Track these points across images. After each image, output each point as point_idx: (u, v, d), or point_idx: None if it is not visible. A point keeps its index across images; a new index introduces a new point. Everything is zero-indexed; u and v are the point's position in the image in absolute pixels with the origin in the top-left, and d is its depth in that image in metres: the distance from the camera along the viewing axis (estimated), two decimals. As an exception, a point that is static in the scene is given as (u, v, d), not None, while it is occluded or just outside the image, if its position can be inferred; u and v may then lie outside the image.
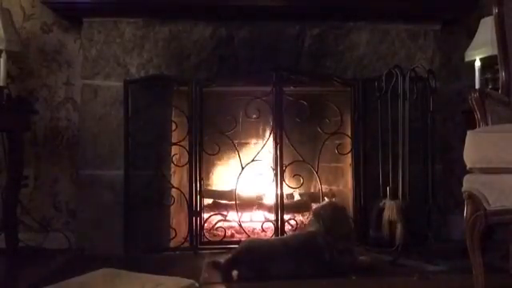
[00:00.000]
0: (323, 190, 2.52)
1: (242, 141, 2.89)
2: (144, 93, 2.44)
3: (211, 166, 2.97)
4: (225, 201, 2.74)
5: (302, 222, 2.71)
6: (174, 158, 2.43)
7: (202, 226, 2.40)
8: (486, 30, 2.36)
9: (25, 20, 2.60)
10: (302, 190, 2.74)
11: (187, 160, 2.40)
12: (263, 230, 2.49)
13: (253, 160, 2.48)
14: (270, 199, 2.70)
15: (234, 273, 1.86)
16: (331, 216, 1.94)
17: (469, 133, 1.53)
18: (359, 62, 2.55)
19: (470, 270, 1.52)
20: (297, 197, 2.84)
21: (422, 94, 2.33)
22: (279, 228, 2.42)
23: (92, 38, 2.47)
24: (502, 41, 1.89)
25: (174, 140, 2.44)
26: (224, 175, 2.99)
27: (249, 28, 2.51)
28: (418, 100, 2.32)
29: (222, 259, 1.90)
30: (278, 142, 2.42)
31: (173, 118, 2.46)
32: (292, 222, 2.49)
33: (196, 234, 2.38)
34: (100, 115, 2.46)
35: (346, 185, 2.67)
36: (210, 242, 2.43)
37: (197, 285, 1.66)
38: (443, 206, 2.44)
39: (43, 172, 2.59)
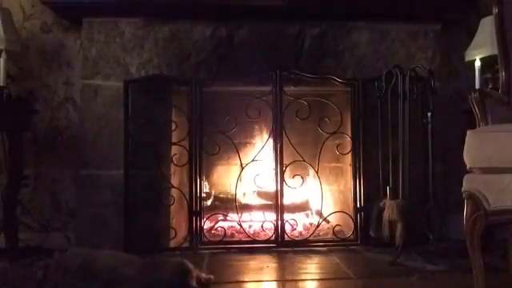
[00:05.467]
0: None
1: (242, 141, 2.90)
2: (144, 93, 2.44)
3: (211, 166, 2.97)
4: (226, 205, 2.75)
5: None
6: (174, 158, 2.43)
7: (201, 226, 2.40)
8: (486, 30, 2.36)
9: (25, 20, 2.60)
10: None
11: (187, 160, 2.40)
12: (263, 230, 2.50)
13: (253, 160, 2.49)
14: (269, 199, 2.71)
15: None
16: None
17: (469, 133, 1.53)
18: (359, 62, 2.55)
19: (470, 269, 1.53)
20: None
21: (422, 93, 2.33)
22: (279, 228, 2.42)
23: (92, 37, 2.47)
24: (502, 41, 1.89)
25: (174, 140, 2.44)
26: (224, 175, 3.00)
27: (249, 28, 2.51)
28: (418, 100, 2.32)
29: None
30: (278, 142, 2.42)
31: (173, 118, 2.46)
32: (292, 222, 2.49)
33: (196, 233, 2.38)
34: (100, 115, 2.45)
35: (346, 185, 2.67)
36: (210, 242, 2.43)
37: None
38: (443, 206, 2.43)
39: (43, 172, 2.59)
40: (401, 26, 2.57)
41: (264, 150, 2.49)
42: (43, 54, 2.61)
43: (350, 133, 2.50)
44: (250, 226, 2.61)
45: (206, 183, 2.84)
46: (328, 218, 2.64)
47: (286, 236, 2.43)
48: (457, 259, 2.08)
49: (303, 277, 1.98)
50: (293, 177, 2.53)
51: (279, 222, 2.42)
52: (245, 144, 2.91)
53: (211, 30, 2.51)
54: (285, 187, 2.45)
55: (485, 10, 2.42)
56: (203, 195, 2.50)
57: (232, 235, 2.57)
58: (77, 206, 2.48)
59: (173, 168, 2.48)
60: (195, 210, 2.39)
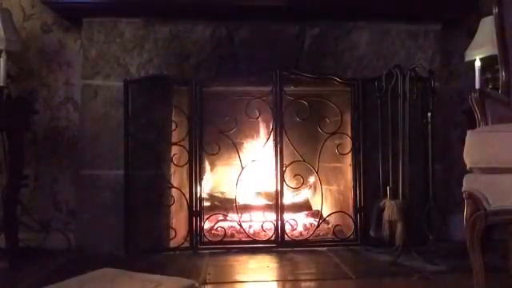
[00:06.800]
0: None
1: (242, 141, 2.90)
2: (144, 93, 2.44)
3: (211, 166, 2.98)
4: (226, 205, 2.75)
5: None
6: (173, 158, 2.43)
7: (201, 226, 2.40)
8: (486, 29, 2.36)
9: (25, 20, 2.60)
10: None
11: (187, 160, 2.40)
12: (263, 230, 2.50)
13: (253, 160, 2.49)
14: (269, 199, 2.71)
15: None
16: None
17: (469, 133, 1.53)
18: (359, 62, 2.55)
19: (470, 269, 1.52)
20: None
21: (422, 94, 2.33)
22: (279, 228, 2.42)
23: (92, 37, 2.47)
24: (502, 41, 1.89)
25: (174, 140, 2.43)
26: (224, 175, 3.00)
27: (249, 28, 2.51)
28: (418, 100, 2.32)
29: None
30: (278, 142, 2.42)
31: (173, 118, 2.46)
32: (292, 222, 2.49)
33: (196, 233, 2.38)
34: (100, 115, 2.45)
35: (346, 185, 2.67)
36: (210, 242, 2.43)
37: (197, 285, 1.66)
38: (443, 206, 2.44)
39: (43, 172, 2.58)
40: (401, 26, 2.57)
41: (264, 150, 2.49)
42: (43, 54, 2.61)
43: (349, 133, 2.50)
44: (250, 226, 2.61)
45: (205, 183, 2.84)
46: (328, 218, 2.64)
47: (286, 236, 2.43)
48: (457, 259, 2.08)
49: (303, 277, 1.98)
50: (293, 177, 2.54)
51: (279, 222, 2.42)
52: (245, 144, 2.91)
53: (211, 29, 2.51)
54: (285, 187, 2.45)
55: (485, 10, 2.43)
56: (203, 195, 2.50)
57: (232, 235, 2.57)
58: (77, 206, 2.48)
59: (173, 168, 2.48)
60: (195, 210, 2.39)
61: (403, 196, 2.21)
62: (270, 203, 2.65)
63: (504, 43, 1.88)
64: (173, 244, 2.41)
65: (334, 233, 2.49)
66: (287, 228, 2.45)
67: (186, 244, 2.40)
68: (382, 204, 2.22)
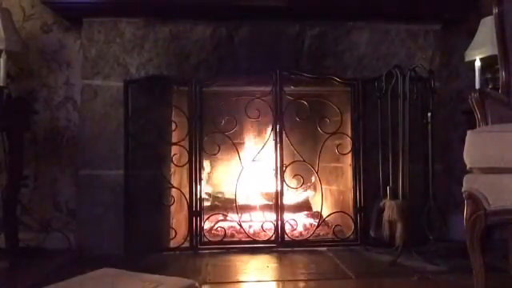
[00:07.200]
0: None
1: (242, 141, 2.90)
2: (144, 93, 2.44)
3: (211, 166, 2.98)
4: (226, 205, 2.75)
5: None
6: (173, 158, 2.43)
7: (201, 226, 2.40)
8: (486, 29, 2.37)
9: (25, 20, 2.60)
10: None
11: (187, 160, 2.40)
12: (263, 230, 2.50)
13: (253, 160, 2.49)
14: (269, 199, 2.71)
15: None
16: None
17: (469, 133, 1.53)
18: (359, 62, 2.55)
19: (470, 269, 1.52)
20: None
21: (422, 94, 2.33)
22: (279, 228, 2.42)
23: (92, 37, 2.47)
24: (502, 41, 1.89)
25: (174, 140, 2.44)
26: (224, 175, 3.00)
27: (249, 28, 2.52)
28: (418, 100, 2.32)
29: None
30: (278, 142, 2.42)
31: (173, 118, 2.46)
32: (292, 222, 2.49)
33: (196, 234, 2.38)
34: (100, 115, 2.45)
35: (346, 185, 2.67)
36: (210, 242, 2.43)
37: (197, 285, 1.66)
38: (443, 206, 2.43)
39: (43, 172, 2.58)
40: (401, 26, 2.57)
41: (264, 150, 2.49)
42: (43, 54, 2.61)
43: (349, 133, 2.50)
44: (250, 226, 2.61)
45: (205, 183, 2.84)
46: (328, 218, 2.64)
47: (286, 236, 2.43)
48: (457, 259, 2.08)
49: (303, 277, 1.98)
50: (293, 177, 2.53)
51: (279, 222, 2.42)
52: (245, 144, 2.91)
53: (211, 30, 2.51)
54: (285, 187, 2.45)
55: (485, 10, 2.43)
56: (203, 195, 2.50)
57: (232, 235, 2.57)
58: (77, 206, 2.48)
59: (173, 168, 2.48)
60: (195, 210, 2.39)
61: (403, 196, 2.21)
62: (270, 203, 2.65)
63: (504, 43, 1.89)
64: (173, 244, 2.41)
65: (334, 233, 2.49)
66: (287, 228, 2.45)
67: (186, 244, 2.40)
68: (381, 204, 2.23)
